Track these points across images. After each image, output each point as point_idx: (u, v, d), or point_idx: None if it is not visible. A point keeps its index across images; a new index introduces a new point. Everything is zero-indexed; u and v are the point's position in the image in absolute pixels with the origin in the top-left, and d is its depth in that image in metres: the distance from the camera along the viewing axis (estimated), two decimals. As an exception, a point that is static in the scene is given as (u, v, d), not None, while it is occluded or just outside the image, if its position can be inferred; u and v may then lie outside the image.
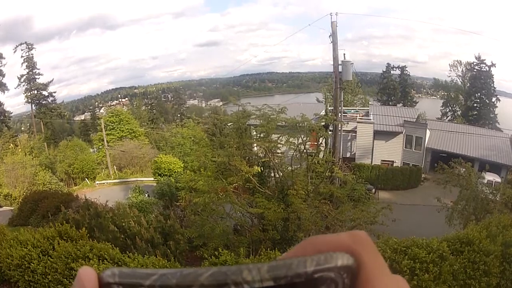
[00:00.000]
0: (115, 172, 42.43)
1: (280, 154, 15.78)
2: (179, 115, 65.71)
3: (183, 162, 33.39)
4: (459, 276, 7.57)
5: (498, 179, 27.41)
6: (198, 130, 37.34)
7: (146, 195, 28.03)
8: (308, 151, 14.67)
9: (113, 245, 9.17)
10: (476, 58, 60.91)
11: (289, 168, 14.58)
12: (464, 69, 67.36)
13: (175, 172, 30.45)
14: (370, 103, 53.11)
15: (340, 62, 21.09)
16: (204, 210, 14.16)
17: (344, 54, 21.81)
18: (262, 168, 15.15)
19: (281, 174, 14.72)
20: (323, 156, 16.07)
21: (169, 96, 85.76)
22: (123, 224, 14.13)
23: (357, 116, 37.43)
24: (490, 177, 25.26)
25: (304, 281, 0.39)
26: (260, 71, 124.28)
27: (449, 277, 7.41)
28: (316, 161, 14.82)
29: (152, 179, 33.37)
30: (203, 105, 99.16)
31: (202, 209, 14.29)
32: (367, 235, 0.44)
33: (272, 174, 15.42)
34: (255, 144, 15.67)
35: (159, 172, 31.20)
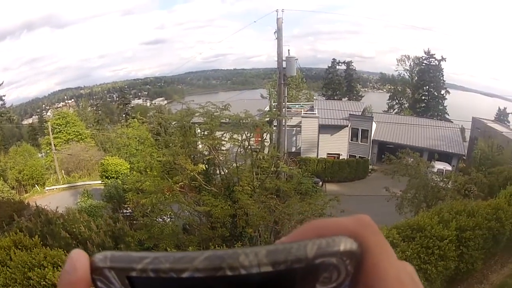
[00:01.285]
0: (63, 176, 40.85)
1: (224, 151, 15.84)
2: (124, 115, 64.17)
3: (129, 163, 32.72)
4: (413, 262, 7.75)
5: (449, 168, 28.93)
6: (143, 130, 36.59)
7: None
8: (253, 147, 14.79)
9: (65, 251, 9.02)
10: (425, 52, 63.41)
11: (234, 164, 14.63)
12: (412, 63, 69.88)
13: (121, 174, 29.82)
14: (314, 97, 53.45)
15: (284, 58, 21.39)
16: (152, 211, 14.01)
17: (288, 50, 22.22)
18: (207, 165, 15.08)
19: (226, 171, 14.77)
20: (268, 151, 16.26)
21: (114, 96, 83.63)
22: (74, 229, 14.10)
23: (301, 111, 37.90)
24: (440, 165, 26.41)
25: (305, 267, 0.37)
26: (205, 69, 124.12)
27: (402, 263, 7.68)
28: (261, 157, 14.99)
29: (100, 182, 32.50)
30: (148, 104, 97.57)
31: (150, 210, 14.11)
32: (371, 219, 0.42)
33: (218, 172, 15.43)
34: (199, 142, 15.64)
35: (106, 175, 30.43)
